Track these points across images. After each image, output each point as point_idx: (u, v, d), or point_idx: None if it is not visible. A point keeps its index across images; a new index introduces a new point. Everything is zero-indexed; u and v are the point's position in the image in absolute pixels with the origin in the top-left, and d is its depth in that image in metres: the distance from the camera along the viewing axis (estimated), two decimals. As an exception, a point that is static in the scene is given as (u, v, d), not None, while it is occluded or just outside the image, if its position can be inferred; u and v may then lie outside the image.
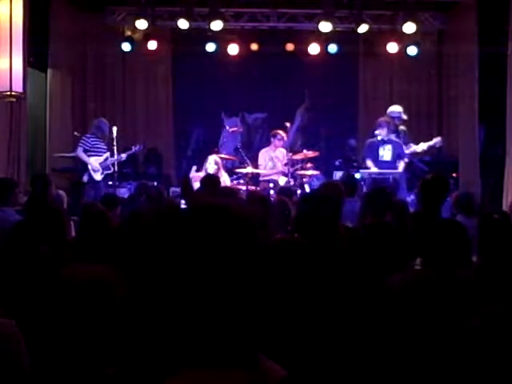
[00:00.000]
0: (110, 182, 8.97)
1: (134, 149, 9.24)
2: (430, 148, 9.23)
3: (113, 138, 8.79)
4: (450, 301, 2.80)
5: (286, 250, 2.65)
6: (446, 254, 3.14)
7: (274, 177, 9.41)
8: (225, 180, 8.56)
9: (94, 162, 8.76)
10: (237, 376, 0.99)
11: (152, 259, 1.02)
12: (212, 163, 8.62)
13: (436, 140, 9.14)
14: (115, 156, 8.80)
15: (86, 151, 8.78)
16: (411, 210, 5.78)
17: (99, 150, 8.82)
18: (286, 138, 9.69)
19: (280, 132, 9.60)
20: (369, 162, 8.68)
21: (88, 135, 8.92)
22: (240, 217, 1.03)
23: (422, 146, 9.01)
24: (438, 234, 3.20)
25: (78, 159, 9.13)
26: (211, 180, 6.43)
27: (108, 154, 8.82)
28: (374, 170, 8.54)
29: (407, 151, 8.90)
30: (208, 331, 0.97)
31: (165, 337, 0.98)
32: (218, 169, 8.62)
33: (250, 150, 10.80)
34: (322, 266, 2.78)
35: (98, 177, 8.77)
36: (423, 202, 4.86)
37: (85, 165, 8.82)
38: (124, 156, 9.06)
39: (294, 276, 2.61)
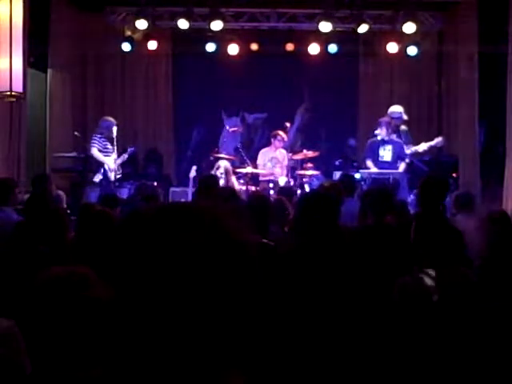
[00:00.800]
0: (117, 183, 8.94)
1: (128, 150, 9.19)
2: (431, 148, 9.22)
3: (113, 138, 8.78)
4: (453, 300, 2.80)
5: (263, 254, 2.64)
6: (445, 254, 3.14)
7: (274, 177, 9.41)
8: (234, 186, 8.33)
9: (109, 161, 8.72)
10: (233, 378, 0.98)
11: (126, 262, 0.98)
12: (224, 172, 8.35)
13: (437, 140, 9.13)
14: (115, 156, 8.79)
15: (99, 151, 8.73)
16: (411, 210, 5.79)
17: (109, 150, 8.78)
18: (286, 139, 9.69)
19: (280, 133, 9.59)
20: (369, 163, 8.67)
21: (98, 135, 8.81)
22: (211, 218, 0.99)
23: (422, 146, 9.01)
24: (437, 234, 3.20)
25: (77, 160, 9.03)
26: (210, 180, 6.42)
27: (115, 154, 8.79)
28: (373, 170, 8.54)
29: (408, 151, 8.89)
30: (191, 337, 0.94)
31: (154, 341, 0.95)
32: (228, 178, 8.35)
33: (249, 150, 10.79)
34: (320, 267, 2.78)
35: (113, 177, 8.73)
36: (422, 202, 4.86)
37: (98, 165, 8.73)
38: (126, 156, 9.06)
39: (290, 277, 2.60)
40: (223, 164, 8.55)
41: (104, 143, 8.75)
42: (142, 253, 0.95)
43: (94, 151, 8.70)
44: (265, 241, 3.59)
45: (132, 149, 9.28)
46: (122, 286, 0.95)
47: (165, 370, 0.94)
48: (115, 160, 8.78)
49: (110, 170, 8.69)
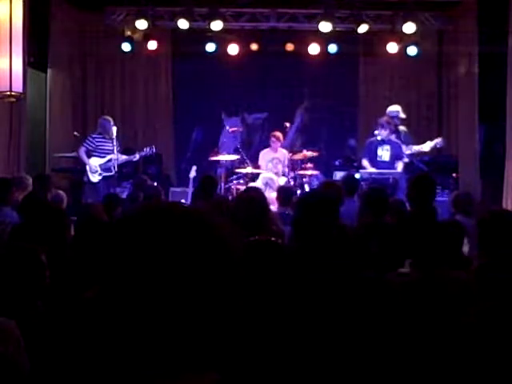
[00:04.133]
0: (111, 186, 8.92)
1: (144, 152, 9.12)
2: (432, 149, 9.23)
3: (113, 138, 8.78)
4: (444, 301, 2.80)
5: (260, 251, 2.63)
6: (444, 254, 3.14)
7: (274, 177, 9.41)
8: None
9: (92, 162, 8.72)
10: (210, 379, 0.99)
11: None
12: (265, 184, 8.02)
13: (437, 141, 9.14)
14: (120, 156, 8.78)
15: (89, 151, 8.73)
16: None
17: (104, 150, 8.75)
18: (281, 139, 9.67)
19: (276, 134, 9.61)
20: (365, 162, 8.70)
21: (94, 135, 8.85)
22: (188, 219, 0.99)
23: (425, 147, 9.02)
24: (437, 234, 3.20)
25: (78, 159, 9.08)
26: (210, 181, 6.42)
27: (113, 155, 8.73)
28: (370, 170, 8.56)
29: (408, 151, 8.89)
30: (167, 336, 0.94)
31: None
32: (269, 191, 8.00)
33: (249, 150, 10.80)
34: (321, 266, 2.78)
35: (94, 178, 8.71)
36: (412, 202, 4.89)
37: (85, 165, 8.82)
38: (137, 156, 9.02)
39: (278, 280, 2.60)
40: (264, 178, 8.14)
41: (98, 143, 8.76)
42: (130, 252, 0.96)
43: (80, 151, 8.77)
44: (273, 239, 3.55)
45: (148, 151, 9.10)
46: (111, 283, 0.96)
47: (142, 365, 0.95)
48: (110, 160, 8.74)
49: (91, 172, 8.70)
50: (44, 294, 2.91)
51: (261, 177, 8.43)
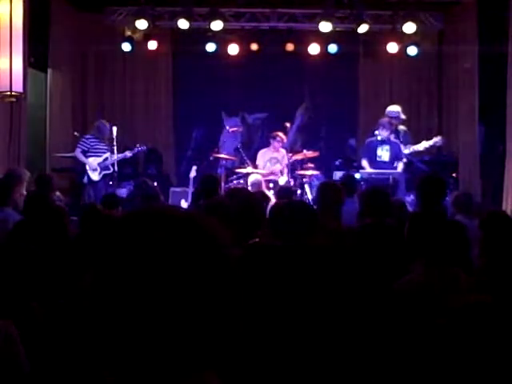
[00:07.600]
0: (110, 182, 8.97)
1: (136, 149, 9.17)
2: (431, 147, 9.23)
3: (113, 138, 8.82)
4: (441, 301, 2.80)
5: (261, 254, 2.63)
6: (447, 254, 3.14)
7: (274, 177, 9.41)
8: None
9: (91, 161, 8.80)
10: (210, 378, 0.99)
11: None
12: (250, 185, 8.22)
13: (436, 139, 9.14)
14: (115, 155, 8.83)
15: (85, 152, 8.83)
16: (410, 210, 5.79)
17: (98, 150, 8.88)
18: (285, 140, 9.70)
19: (280, 134, 9.61)
20: (364, 162, 8.71)
21: (87, 136, 9.01)
22: (181, 223, 1.00)
23: (423, 145, 9.02)
24: (440, 234, 3.20)
25: (77, 160, 9.13)
26: (211, 180, 6.42)
27: (108, 154, 8.84)
28: (369, 170, 8.57)
29: (407, 151, 8.89)
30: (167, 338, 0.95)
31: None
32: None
33: (249, 150, 10.79)
34: (304, 270, 2.78)
35: (95, 177, 8.81)
36: (422, 202, 4.86)
37: (84, 165, 8.86)
38: (129, 154, 9.07)
39: (274, 281, 2.60)
40: (254, 177, 8.33)
41: (92, 143, 8.88)
42: (121, 256, 0.97)
43: (77, 152, 8.88)
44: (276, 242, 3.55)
45: (141, 148, 9.23)
46: (107, 283, 0.97)
47: (139, 367, 0.96)
48: (106, 159, 8.80)
49: (92, 170, 8.78)
50: (41, 295, 2.91)
51: (253, 178, 8.40)
